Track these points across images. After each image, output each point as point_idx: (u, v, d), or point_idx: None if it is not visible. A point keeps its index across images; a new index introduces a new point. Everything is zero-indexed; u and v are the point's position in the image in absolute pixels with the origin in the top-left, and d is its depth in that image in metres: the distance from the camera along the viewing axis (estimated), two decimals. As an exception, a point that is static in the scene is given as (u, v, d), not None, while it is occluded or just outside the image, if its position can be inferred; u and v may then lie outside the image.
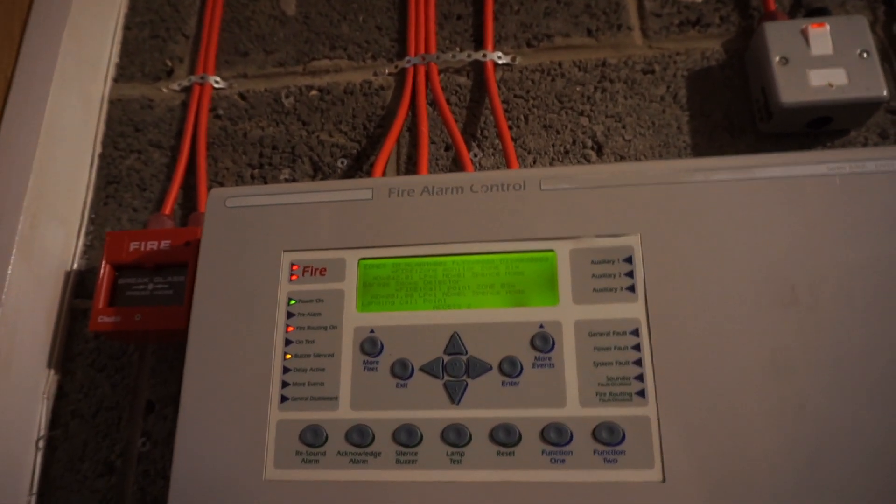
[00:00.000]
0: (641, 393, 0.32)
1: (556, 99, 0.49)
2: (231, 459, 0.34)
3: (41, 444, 0.46)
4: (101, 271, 0.44)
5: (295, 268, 0.37)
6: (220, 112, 0.53)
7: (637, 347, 0.33)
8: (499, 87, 0.50)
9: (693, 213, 0.34)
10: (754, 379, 0.31)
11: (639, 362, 0.33)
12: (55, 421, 0.46)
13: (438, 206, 0.37)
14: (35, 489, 0.45)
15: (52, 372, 0.47)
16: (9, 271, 0.44)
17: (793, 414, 0.31)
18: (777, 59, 0.43)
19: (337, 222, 0.37)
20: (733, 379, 0.31)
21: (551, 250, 0.35)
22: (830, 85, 0.42)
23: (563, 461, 0.32)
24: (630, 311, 0.33)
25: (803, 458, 0.30)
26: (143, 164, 0.52)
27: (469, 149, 0.49)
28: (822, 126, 0.44)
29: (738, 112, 0.47)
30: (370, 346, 0.35)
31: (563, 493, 0.31)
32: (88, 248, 0.51)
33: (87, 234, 0.51)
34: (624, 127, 0.48)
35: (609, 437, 0.32)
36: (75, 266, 0.50)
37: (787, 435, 0.30)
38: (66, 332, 0.48)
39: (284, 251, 0.37)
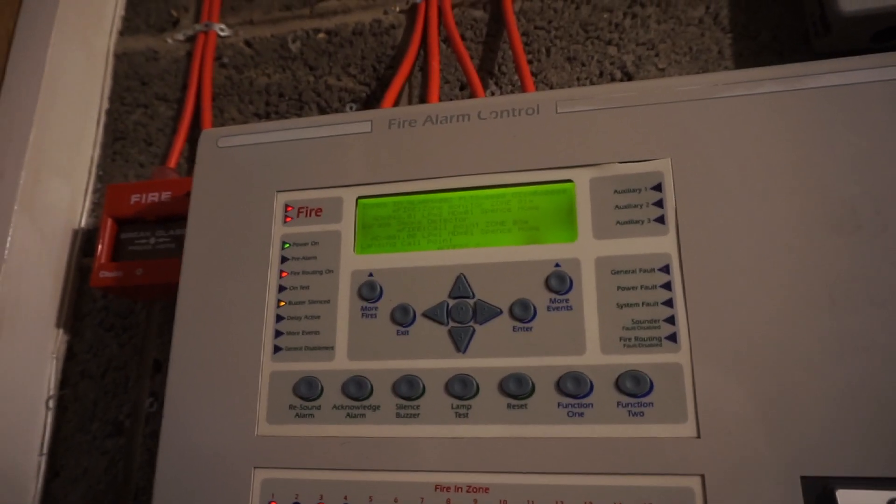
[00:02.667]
0: (672, 337, 0.28)
1: (580, 28, 0.45)
2: (221, 414, 0.31)
3: (51, 403, 0.45)
4: (102, 225, 0.43)
5: (289, 209, 0.34)
6: (226, 61, 0.50)
7: (667, 286, 0.29)
8: (517, 20, 0.46)
9: (733, 132, 0.30)
10: (807, 319, 0.27)
11: (669, 303, 0.28)
12: (65, 381, 0.45)
13: (443, 136, 0.33)
14: (45, 449, 0.44)
15: (61, 331, 0.46)
16: (11, 226, 0.43)
17: (854, 358, 0.26)
18: (835, -39, 0.37)
19: (333, 158, 0.34)
20: (781, 319, 0.27)
21: (569, 180, 0.31)
22: (899, -11, 0.36)
23: (581, 414, 0.28)
24: (659, 245, 0.29)
25: (867, 410, 0.25)
26: (149, 118, 0.50)
27: (486, 87, 0.45)
28: (890, 39, 0.38)
29: (789, 31, 0.41)
30: (368, 291, 0.32)
31: (583, 450, 0.27)
32: (97, 205, 0.49)
33: (94, 191, 0.50)
34: (657, 55, 0.43)
35: (635, 388, 0.28)
36: (83, 224, 0.49)
37: (846, 382, 0.26)
38: (75, 291, 0.47)
39: (278, 192, 0.34)
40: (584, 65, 0.44)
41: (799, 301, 0.27)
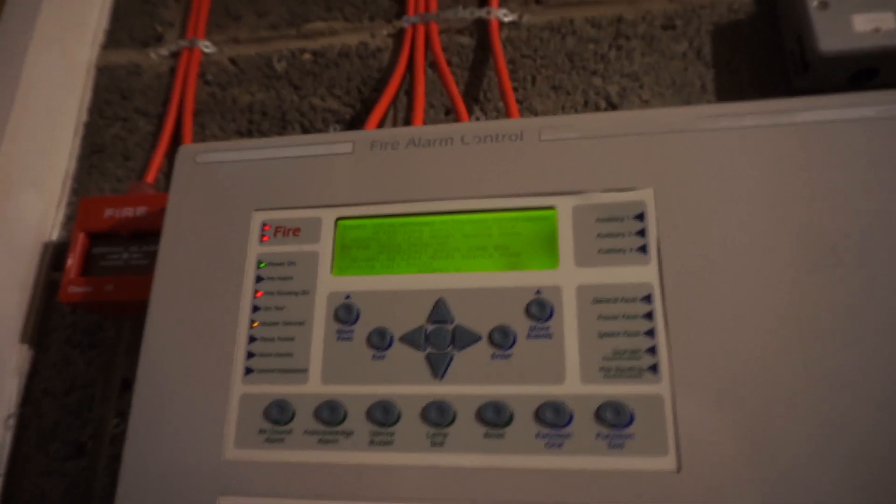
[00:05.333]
0: (654, 368, 0.28)
1: (566, 58, 0.45)
2: (188, 436, 0.30)
3: (11, 422, 0.43)
4: (74, 239, 0.42)
5: (266, 228, 0.33)
6: (210, 78, 0.50)
7: (649, 316, 0.28)
8: (504, 48, 0.46)
9: (716, 165, 0.30)
10: (788, 353, 0.27)
11: (651, 333, 0.28)
12: (26, 399, 0.44)
13: (426, 159, 0.33)
14: (3, 469, 0.42)
15: (26, 347, 0.44)
16: (-23, 238, 0.42)
17: (835, 393, 0.26)
18: (815, 2, 0.38)
19: (313, 178, 0.34)
20: (762, 353, 0.27)
21: (552, 207, 0.31)
22: (877, 30, 0.37)
23: (560, 445, 0.27)
24: (641, 274, 0.29)
25: (847, 445, 0.25)
26: (128, 132, 0.50)
27: (471, 112, 0.45)
28: (867, 80, 0.39)
29: (769, 68, 0.42)
30: (345, 314, 0.31)
31: (560, 482, 0.27)
32: (70, 219, 0.48)
33: (68, 204, 0.48)
34: (641, 87, 0.43)
35: (615, 419, 0.27)
36: (54, 237, 0.47)
37: (826, 418, 0.26)
38: (42, 306, 0.46)
39: (256, 210, 0.34)
40: (569, 94, 0.44)
41: (780, 334, 0.27)
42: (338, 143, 0.34)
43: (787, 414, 0.26)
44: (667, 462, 0.26)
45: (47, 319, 0.45)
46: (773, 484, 0.25)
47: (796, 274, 0.27)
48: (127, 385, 0.43)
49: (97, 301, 0.40)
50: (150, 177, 0.46)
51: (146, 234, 0.42)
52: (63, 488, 0.41)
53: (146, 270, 0.41)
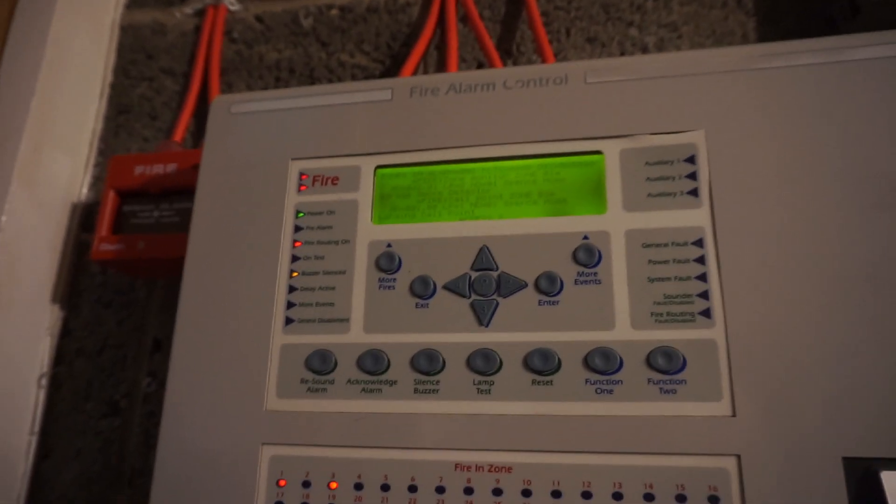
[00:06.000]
0: (706, 313, 0.27)
1: (601, 9, 0.44)
2: (228, 388, 0.30)
3: (44, 381, 0.43)
4: (104, 197, 0.41)
5: (304, 177, 0.33)
6: (236, 35, 0.49)
7: (701, 260, 0.27)
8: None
9: (770, 105, 0.29)
10: (847, 296, 0.26)
11: (703, 277, 0.27)
12: (59, 358, 0.44)
13: (466, 105, 0.32)
14: (37, 428, 0.42)
15: (57, 307, 0.44)
16: (8, 198, 0.41)
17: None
18: (867, -58, 0.36)
19: (351, 126, 0.33)
20: (820, 297, 0.26)
21: (598, 151, 0.30)
22: (932, -28, 0.35)
23: (610, 391, 0.27)
24: (692, 218, 0.28)
25: (912, 388, 0.24)
26: (154, 92, 0.49)
27: (504, 66, 0.44)
28: (918, 24, 0.37)
29: (813, 15, 0.40)
30: (387, 262, 0.30)
31: (611, 428, 0.26)
32: (97, 179, 0.48)
33: (96, 164, 0.48)
34: (679, 37, 0.42)
35: (666, 364, 0.26)
36: (83, 198, 0.47)
37: (890, 361, 0.25)
38: (73, 267, 0.45)
39: (293, 160, 0.33)
40: (604, 45, 0.43)
41: (839, 278, 0.26)
42: (376, 91, 0.33)
43: (846, 357, 0.25)
44: (721, 407, 0.26)
45: (78, 280, 0.45)
46: (834, 428, 0.24)
47: (854, 216, 0.26)
48: (158, 345, 0.43)
49: (129, 259, 0.40)
50: (178, 136, 0.45)
51: (177, 191, 0.41)
52: (98, 446, 0.41)
53: (178, 228, 0.40)
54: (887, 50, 0.28)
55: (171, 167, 0.41)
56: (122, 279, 0.45)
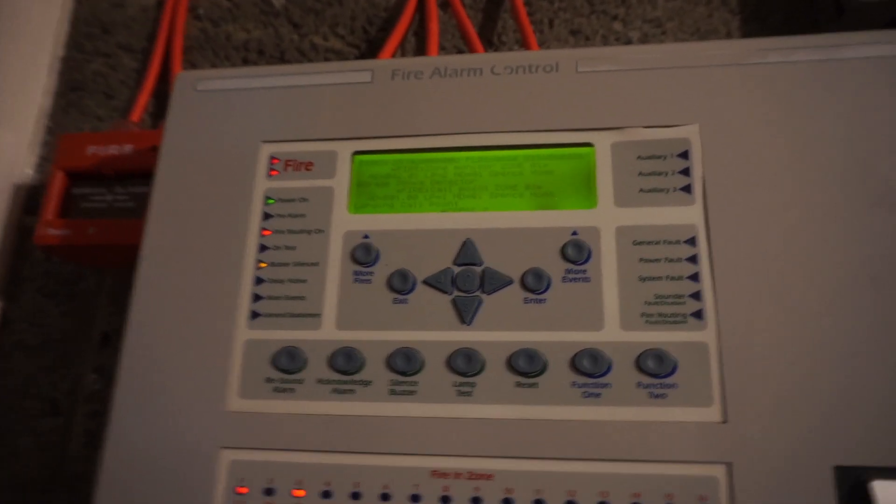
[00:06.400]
0: (698, 314, 0.26)
1: (585, 1, 0.42)
2: (185, 386, 0.27)
3: (-22, 378, 0.39)
4: (52, 177, 0.38)
5: (275, 161, 0.30)
6: (201, 12, 0.46)
7: (693, 259, 0.26)
8: (520, -11, 0.43)
9: (766, 100, 0.28)
10: (841, 298, 0.25)
11: (695, 277, 0.26)
12: (-4, 352, 0.40)
13: (451, 90, 0.30)
14: (-31, 428, 0.38)
15: (-5, 297, 0.41)
16: (-58, 174, 0.38)
17: (889, 337, 0.24)
18: (855, -55, 0.36)
19: (328, 109, 0.31)
20: (815, 299, 0.25)
21: (589, 144, 0.29)
22: (917, -23, 0.35)
23: (598, 395, 0.25)
24: (685, 215, 0.27)
25: (907, 396, 0.24)
26: (110, 68, 0.46)
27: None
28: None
29: (798, 15, 0.40)
30: (363, 254, 0.28)
31: (598, 434, 0.25)
32: (44, 160, 0.44)
33: (43, 144, 0.45)
34: (664, 33, 0.41)
35: (657, 368, 0.25)
36: (28, 179, 0.43)
37: (884, 367, 0.24)
38: (14, 252, 0.42)
39: (263, 142, 0.31)
40: (588, 38, 0.42)
41: (834, 279, 0.25)
42: (355, 72, 0.31)
43: (840, 362, 0.24)
44: (712, 413, 0.25)
45: (19, 268, 0.42)
46: (826, 436, 0.24)
47: (851, 215, 0.26)
48: (106, 339, 0.40)
49: (77, 245, 0.37)
50: (136, 116, 0.42)
51: (133, 174, 0.38)
52: (36, 447, 0.38)
53: (133, 213, 0.37)
54: (883, 49, 0.28)
55: (128, 148, 0.38)
56: (68, 268, 0.41)
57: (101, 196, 0.38)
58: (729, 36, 0.40)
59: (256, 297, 0.28)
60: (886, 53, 0.28)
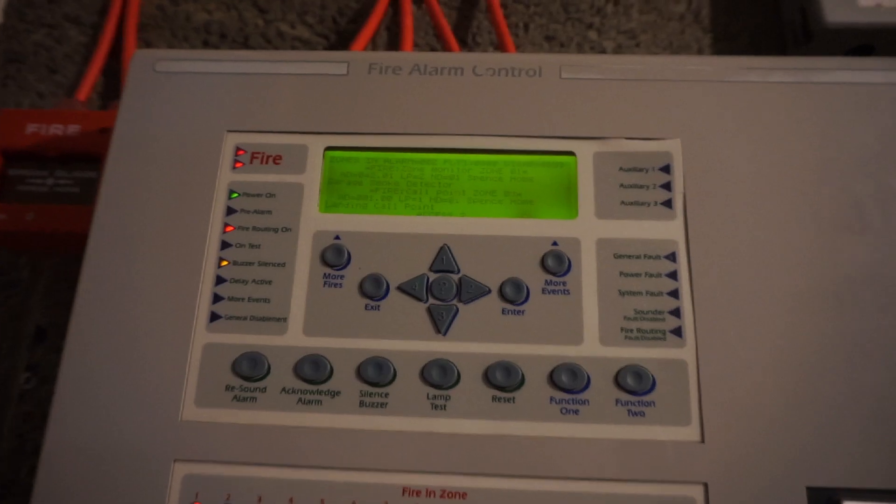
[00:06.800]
0: (677, 331, 0.25)
1: (561, 7, 0.42)
2: (135, 392, 0.25)
3: None
4: (-15, 157, 0.35)
5: (240, 153, 0.28)
6: (158, -12, 0.43)
7: (673, 275, 0.26)
8: (497, -10, 0.42)
9: (745, 119, 0.28)
10: (814, 319, 0.25)
11: (675, 293, 0.26)
12: (-87, 346, 0.36)
13: (431, 89, 0.29)
14: None
15: (-86, 285, 0.37)
16: None
17: (863, 362, 0.25)
18: (825, -29, 0.37)
19: (299, 100, 0.29)
20: (788, 318, 0.25)
21: (570, 152, 0.28)
22: (879, 6, 0.36)
23: (576, 412, 0.25)
24: (666, 230, 0.27)
25: (877, 418, 0.24)
26: (55, 41, 0.42)
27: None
28: (862, 55, 0.39)
29: (767, 36, 0.41)
30: (334, 256, 0.27)
31: (576, 452, 0.24)
32: (-25, 138, 0.41)
33: (-26, 120, 0.41)
34: (637, 45, 0.41)
35: (636, 385, 0.25)
36: (-45, 157, 0.40)
37: (854, 388, 0.24)
38: (-63, 238, 0.38)
39: (228, 132, 0.29)
40: (563, 45, 0.41)
41: (807, 300, 0.25)
42: (330, 63, 0.29)
43: (812, 383, 0.24)
44: (690, 432, 0.24)
45: (-57, 254, 0.38)
46: (799, 457, 0.24)
47: (823, 237, 0.26)
48: (42, 334, 0.37)
49: (13, 231, 0.34)
50: (83, 94, 0.39)
51: (78, 157, 0.35)
52: (-42, 452, 0.35)
53: (77, 199, 0.35)
54: (854, 76, 0.28)
55: (74, 129, 0.35)
56: (2, 256, 0.38)
57: (41, 179, 0.35)
58: (700, 52, 0.41)
59: (217, 298, 0.27)
60: (857, 80, 0.28)
